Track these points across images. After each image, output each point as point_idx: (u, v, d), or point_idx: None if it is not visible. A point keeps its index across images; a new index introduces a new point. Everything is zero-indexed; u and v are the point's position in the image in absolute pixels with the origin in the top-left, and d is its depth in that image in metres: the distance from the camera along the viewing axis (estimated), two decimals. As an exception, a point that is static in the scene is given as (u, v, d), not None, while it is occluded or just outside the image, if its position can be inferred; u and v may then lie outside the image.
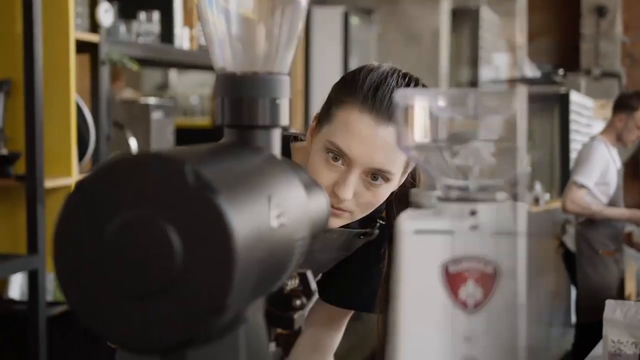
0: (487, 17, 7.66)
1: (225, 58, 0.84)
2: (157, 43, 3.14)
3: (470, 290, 0.69)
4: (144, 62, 3.41)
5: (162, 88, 6.08)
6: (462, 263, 0.69)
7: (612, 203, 4.32)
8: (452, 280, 0.69)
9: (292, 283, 0.90)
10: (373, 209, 1.34)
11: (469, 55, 7.56)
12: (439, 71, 5.78)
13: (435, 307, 0.70)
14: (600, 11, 9.20)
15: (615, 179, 4.31)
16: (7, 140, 2.55)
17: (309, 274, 0.89)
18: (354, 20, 5.62)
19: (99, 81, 2.74)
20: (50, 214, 2.47)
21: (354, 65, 6.10)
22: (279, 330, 0.91)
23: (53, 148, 2.55)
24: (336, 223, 1.33)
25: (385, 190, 1.31)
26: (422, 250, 0.70)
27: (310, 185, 0.90)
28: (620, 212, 4.40)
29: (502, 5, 8.87)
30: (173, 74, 5.97)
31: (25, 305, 2.56)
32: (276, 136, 0.84)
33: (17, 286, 2.86)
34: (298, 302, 0.88)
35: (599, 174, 4.25)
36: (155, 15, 3.14)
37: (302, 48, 4.75)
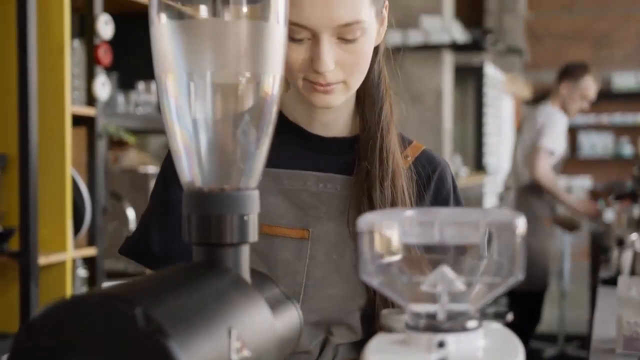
0: (491, 73, 7.70)
1: (192, 173, 0.82)
2: (156, 113, 3.15)
3: None
4: (143, 132, 3.41)
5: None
6: (430, 399, 0.66)
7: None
8: (420, 417, 0.66)
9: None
10: (366, 70, 1.21)
11: (473, 110, 7.59)
12: (442, 130, 5.77)
13: None
14: None
15: (563, 149, 4.31)
16: (1, 215, 2.53)
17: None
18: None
19: (96, 154, 2.73)
20: (44, 292, 2.44)
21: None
22: None
23: (48, 223, 2.53)
24: (335, 100, 1.21)
25: (366, 44, 1.19)
26: (388, 384, 0.67)
27: (280, 300, 0.87)
28: (576, 201, 4.39)
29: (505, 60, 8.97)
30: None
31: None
32: (245, 253, 0.81)
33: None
34: None
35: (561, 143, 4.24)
36: (154, 85, 3.15)
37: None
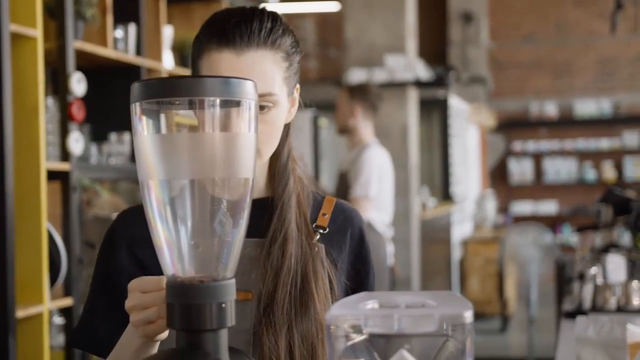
0: (455, 104, 7.86)
1: (174, 267, 0.91)
2: (128, 163, 3.23)
3: None
4: (115, 181, 3.48)
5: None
6: None
7: None
8: None
9: None
10: (277, 140, 1.29)
11: (439, 142, 7.74)
12: (409, 166, 5.88)
13: None
14: (467, 17, 9.57)
15: None
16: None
17: None
18: (323, 122, 5.74)
19: (70, 207, 2.80)
20: (22, 344, 2.49)
21: (324, 166, 6.22)
22: None
23: (25, 277, 2.59)
24: None
25: (276, 116, 1.26)
26: None
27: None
28: None
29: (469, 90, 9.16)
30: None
31: None
32: (224, 336, 0.90)
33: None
34: None
35: None
36: (126, 136, 3.23)
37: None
